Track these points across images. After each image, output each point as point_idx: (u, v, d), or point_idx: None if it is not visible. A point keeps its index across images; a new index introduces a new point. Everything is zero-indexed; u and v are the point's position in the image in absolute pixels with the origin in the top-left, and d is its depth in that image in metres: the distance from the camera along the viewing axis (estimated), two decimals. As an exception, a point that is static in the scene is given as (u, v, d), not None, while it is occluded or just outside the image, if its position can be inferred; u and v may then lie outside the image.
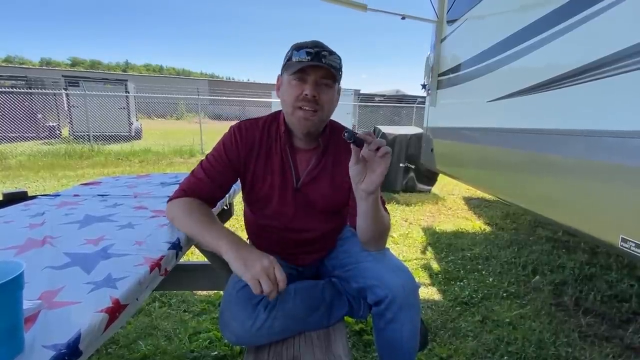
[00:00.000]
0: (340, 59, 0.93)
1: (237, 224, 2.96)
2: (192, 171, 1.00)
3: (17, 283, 0.47)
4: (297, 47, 0.89)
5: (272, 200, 1.00)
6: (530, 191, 1.57)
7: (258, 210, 1.04)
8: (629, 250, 1.00)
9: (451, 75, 2.51)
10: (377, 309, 0.90)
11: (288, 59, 0.91)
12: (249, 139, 0.98)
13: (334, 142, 1.02)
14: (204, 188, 0.96)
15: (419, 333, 0.94)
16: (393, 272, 0.90)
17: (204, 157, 1.01)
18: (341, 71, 0.94)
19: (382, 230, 0.93)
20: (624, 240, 1.02)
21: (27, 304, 0.55)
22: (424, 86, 2.88)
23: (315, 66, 0.87)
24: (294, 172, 0.99)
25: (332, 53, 0.89)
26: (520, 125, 1.62)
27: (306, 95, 0.88)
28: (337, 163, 1.01)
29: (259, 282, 0.74)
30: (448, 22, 2.60)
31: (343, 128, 1.08)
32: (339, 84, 0.96)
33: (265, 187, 1.00)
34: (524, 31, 1.57)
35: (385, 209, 1.01)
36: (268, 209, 1.01)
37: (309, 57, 0.86)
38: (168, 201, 0.99)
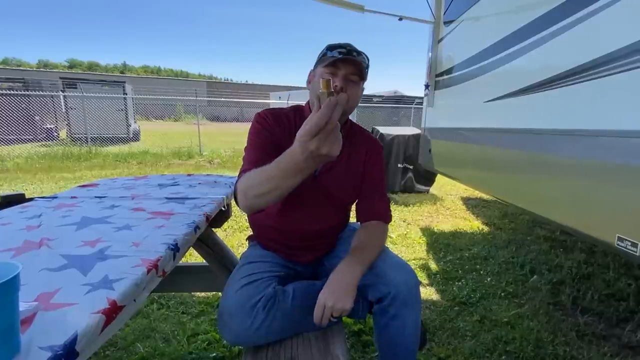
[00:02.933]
0: (368, 60, 1.00)
1: (235, 225, 2.95)
2: (242, 164, 0.95)
3: (13, 285, 0.46)
4: (331, 47, 0.97)
5: None
6: (527, 191, 1.57)
7: None
8: (625, 249, 1.01)
9: (448, 76, 2.52)
10: (379, 306, 0.91)
11: (322, 55, 0.98)
12: (280, 123, 1.01)
13: (352, 137, 1.08)
14: (260, 161, 0.82)
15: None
16: (395, 269, 0.92)
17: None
18: (367, 70, 1.00)
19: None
20: (620, 239, 1.03)
21: (23, 306, 0.54)
22: (427, 86, 2.88)
23: (346, 61, 0.93)
24: None
25: (360, 54, 0.97)
26: (517, 126, 1.63)
27: (336, 86, 0.93)
28: (353, 156, 1.06)
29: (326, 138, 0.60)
30: (445, 23, 2.61)
31: (361, 128, 1.15)
32: (364, 82, 1.01)
33: None
34: (519, 32, 1.57)
35: (389, 210, 1.07)
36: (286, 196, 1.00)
37: (341, 56, 0.93)
38: (235, 190, 0.88)
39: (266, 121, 1.00)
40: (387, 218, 1.07)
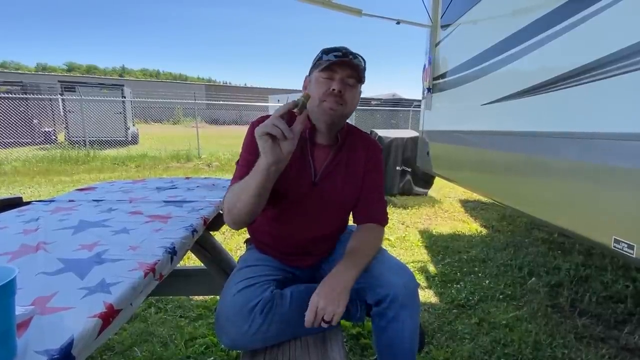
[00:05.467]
0: (364, 62, 0.98)
1: (233, 228, 2.95)
2: (234, 174, 1.01)
3: (9, 288, 0.47)
4: (327, 51, 0.96)
5: (287, 193, 0.99)
6: (524, 193, 1.58)
7: (271, 204, 1.00)
8: (621, 251, 1.01)
9: (446, 79, 2.53)
10: (378, 308, 0.91)
11: (318, 59, 0.97)
12: None
13: (350, 140, 1.07)
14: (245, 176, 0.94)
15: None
16: (394, 271, 0.92)
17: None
18: (364, 72, 0.99)
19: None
20: (616, 241, 1.03)
21: (19, 310, 0.54)
22: (429, 90, 2.88)
23: (343, 64, 0.93)
24: (313, 167, 1.01)
25: (356, 56, 0.96)
26: (514, 128, 1.64)
27: (333, 90, 0.93)
28: (352, 159, 1.06)
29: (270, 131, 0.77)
30: (442, 26, 2.62)
31: (359, 130, 1.14)
32: (362, 85, 1.01)
33: (282, 180, 0.99)
34: (515, 36, 1.59)
35: (386, 213, 1.08)
36: (284, 203, 1.01)
37: (337, 59, 0.93)
38: (223, 206, 0.98)
39: (251, 138, 0.99)
40: (384, 221, 1.07)
